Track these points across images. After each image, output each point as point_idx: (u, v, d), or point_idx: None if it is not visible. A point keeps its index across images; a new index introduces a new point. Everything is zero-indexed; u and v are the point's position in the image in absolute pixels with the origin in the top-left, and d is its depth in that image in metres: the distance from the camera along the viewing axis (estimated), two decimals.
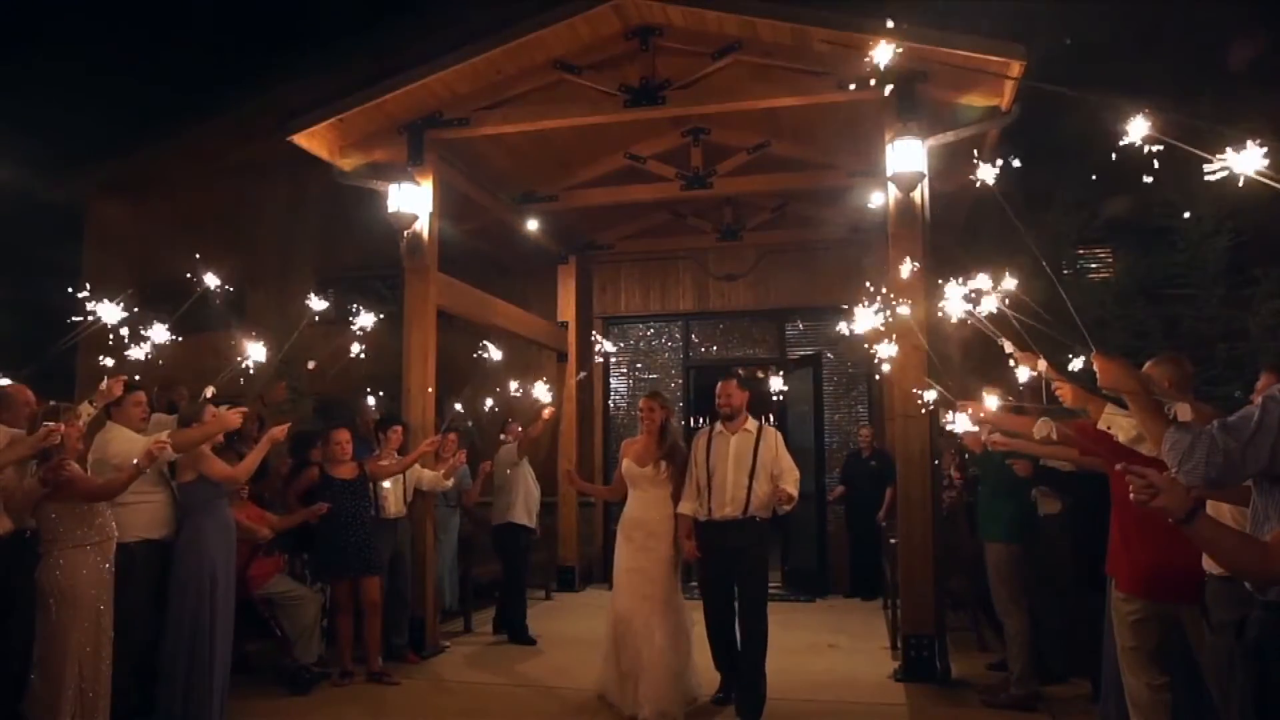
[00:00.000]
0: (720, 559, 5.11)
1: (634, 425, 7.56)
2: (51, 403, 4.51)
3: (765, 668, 5.10)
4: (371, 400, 7.48)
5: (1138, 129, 2.58)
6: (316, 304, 5.12)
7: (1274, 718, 2.37)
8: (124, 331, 4.18)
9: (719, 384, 5.35)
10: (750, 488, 5.06)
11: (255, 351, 4.72)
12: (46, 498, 4.20)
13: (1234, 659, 2.60)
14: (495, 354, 7.01)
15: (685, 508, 5.21)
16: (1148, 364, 3.68)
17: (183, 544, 4.89)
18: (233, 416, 4.85)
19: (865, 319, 4.58)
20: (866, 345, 4.77)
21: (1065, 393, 3.57)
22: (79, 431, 4.36)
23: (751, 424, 5.24)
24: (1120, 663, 3.77)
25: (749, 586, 5.12)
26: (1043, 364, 3.55)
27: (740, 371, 5.08)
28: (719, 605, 5.23)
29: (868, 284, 5.07)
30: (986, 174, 3.40)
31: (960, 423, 6.01)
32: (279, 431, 5.13)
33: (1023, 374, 3.62)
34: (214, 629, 4.83)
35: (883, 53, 2.98)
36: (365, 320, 5.35)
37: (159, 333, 4.25)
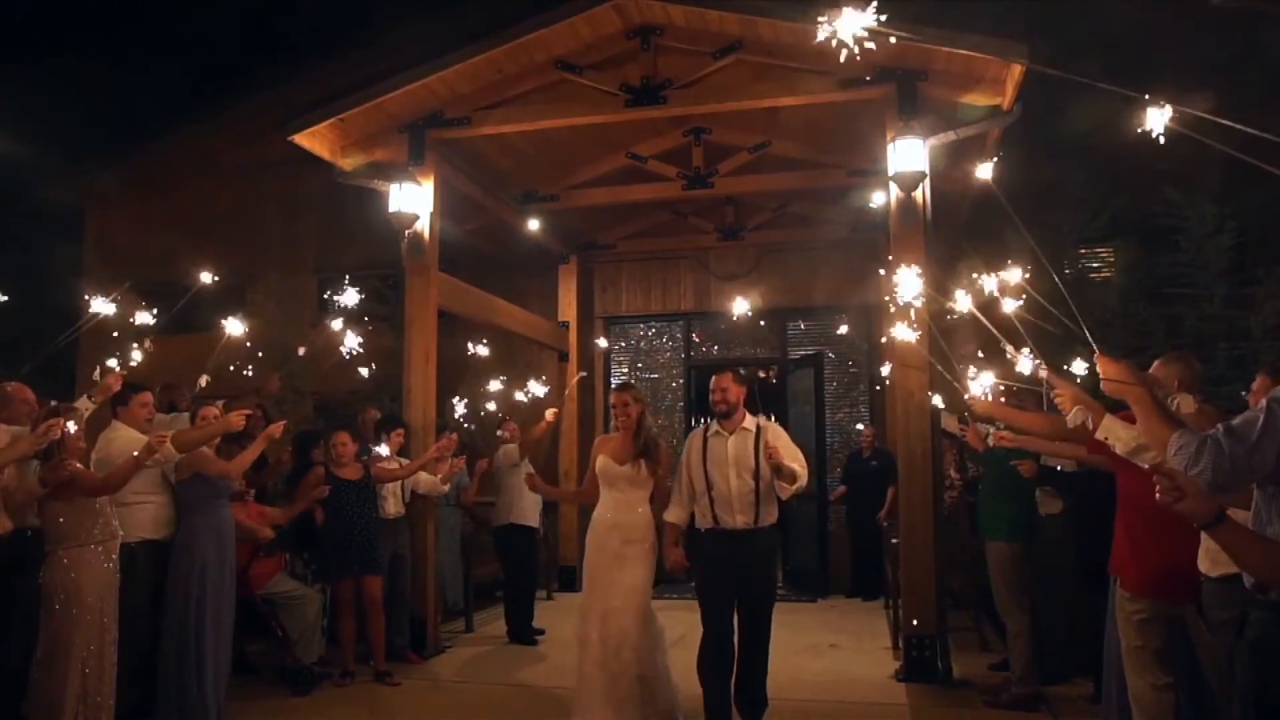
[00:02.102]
0: (726, 571, 4.64)
1: None
2: (53, 403, 4.51)
3: (766, 682, 4.75)
4: (367, 373, 7.36)
5: (1155, 119, 2.51)
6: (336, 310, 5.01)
7: (1274, 717, 2.37)
8: (124, 330, 4.18)
9: (713, 378, 4.88)
10: (758, 491, 4.61)
11: (233, 326, 4.65)
12: (50, 496, 4.20)
13: (1234, 659, 2.60)
14: (496, 354, 6.99)
15: (673, 515, 4.81)
16: (1156, 363, 3.65)
17: (176, 544, 4.89)
18: (235, 419, 4.84)
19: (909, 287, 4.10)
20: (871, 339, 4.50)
21: (1064, 399, 3.51)
22: (80, 430, 4.35)
23: (750, 421, 4.77)
24: (1124, 662, 3.74)
25: (756, 600, 4.69)
26: (1043, 370, 3.50)
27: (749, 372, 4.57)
28: (719, 623, 4.66)
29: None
30: (985, 172, 3.39)
31: (949, 424, 6.01)
32: (275, 429, 5.13)
33: (1025, 365, 3.55)
34: (203, 629, 4.82)
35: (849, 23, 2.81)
36: (349, 298, 5.19)
37: (159, 330, 4.26)
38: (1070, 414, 3.44)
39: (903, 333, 4.96)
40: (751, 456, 4.64)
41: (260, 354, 6.51)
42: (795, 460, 4.60)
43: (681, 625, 5.37)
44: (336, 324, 5.16)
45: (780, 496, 4.71)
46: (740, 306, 5.18)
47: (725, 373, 4.87)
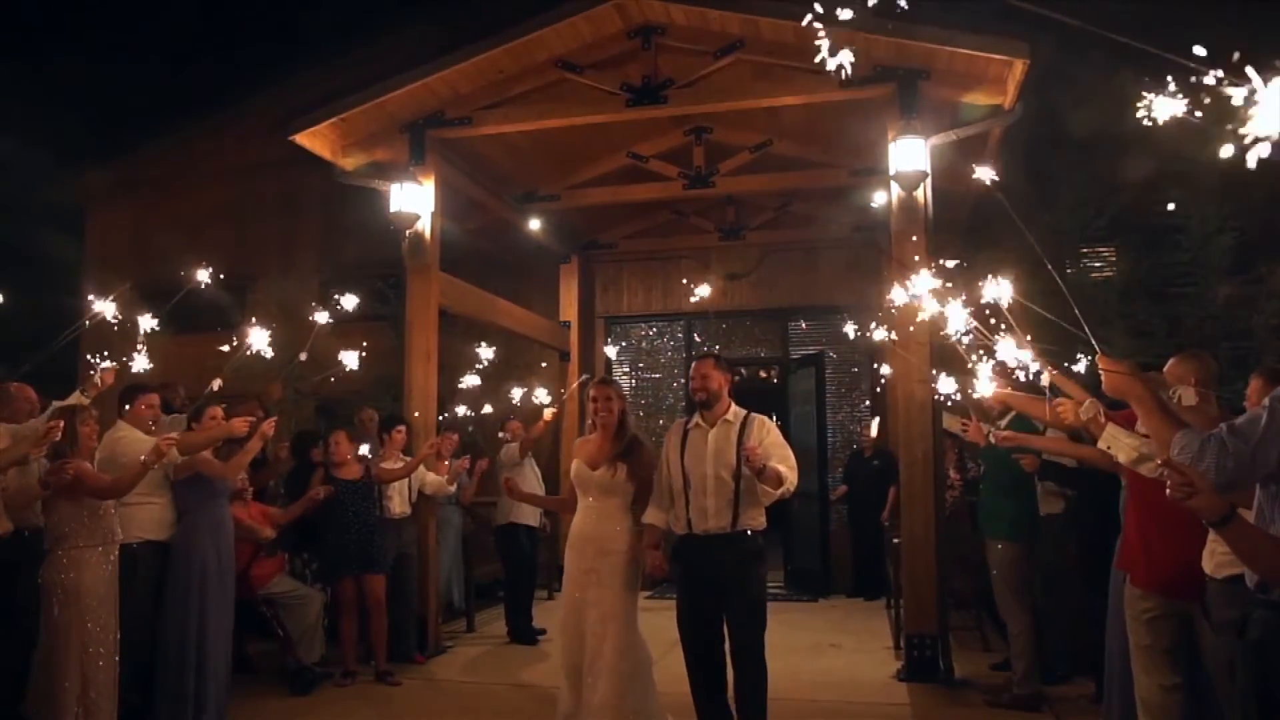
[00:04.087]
0: (703, 583, 4.22)
1: (639, 425, 7.19)
2: (54, 404, 4.50)
3: (765, 693, 4.24)
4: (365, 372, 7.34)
5: (1164, 106, 2.38)
6: (327, 310, 5.03)
7: (1274, 718, 2.36)
8: (125, 330, 4.18)
9: (693, 365, 4.46)
10: (737, 490, 4.14)
11: (258, 339, 4.68)
12: (56, 496, 4.19)
13: (1235, 659, 2.59)
14: (497, 354, 7.00)
15: (652, 516, 4.33)
16: (1171, 361, 3.62)
17: (174, 543, 4.89)
18: (238, 424, 4.84)
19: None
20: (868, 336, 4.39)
21: (1066, 410, 3.47)
22: (92, 430, 4.35)
23: (734, 413, 4.31)
24: (1133, 662, 3.68)
25: (741, 613, 4.19)
26: (1045, 377, 3.47)
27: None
28: (703, 641, 4.27)
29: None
30: (985, 174, 3.36)
31: (950, 423, 6.00)
32: (267, 426, 5.12)
33: (1022, 355, 3.51)
34: (203, 629, 4.82)
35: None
36: (348, 301, 5.18)
37: (155, 328, 4.26)
38: (1083, 406, 3.36)
39: (904, 332, 4.95)
40: (733, 451, 4.18)
41: (262, 357, 6.53)
42: (784, 462, 4.15)
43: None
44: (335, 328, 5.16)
45: (761, 499, 4.24)
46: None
47: (706, 359, 4.45)
